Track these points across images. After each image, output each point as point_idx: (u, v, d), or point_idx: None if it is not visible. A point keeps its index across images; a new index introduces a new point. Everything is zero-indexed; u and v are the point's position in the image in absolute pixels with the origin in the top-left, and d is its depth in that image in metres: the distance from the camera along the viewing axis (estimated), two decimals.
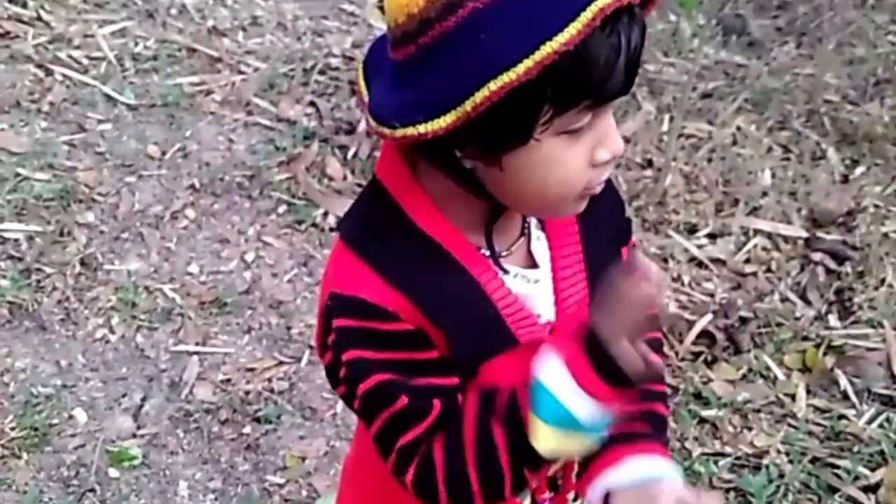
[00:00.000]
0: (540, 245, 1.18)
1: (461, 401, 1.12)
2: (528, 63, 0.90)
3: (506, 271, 1.13)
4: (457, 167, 1.04)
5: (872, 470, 2.45)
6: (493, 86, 0.91)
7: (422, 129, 0.96)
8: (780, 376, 2.67)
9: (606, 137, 1.03)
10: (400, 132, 0.98)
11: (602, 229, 1.21)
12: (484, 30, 0.92)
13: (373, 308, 1.06)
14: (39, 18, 3.78)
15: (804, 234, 3.12)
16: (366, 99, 1.06)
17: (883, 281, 2.94)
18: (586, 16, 0.90)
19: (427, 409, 1.09)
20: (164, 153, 3.28)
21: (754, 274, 2.99)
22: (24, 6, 3.81)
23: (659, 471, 1.20)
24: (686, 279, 2.94)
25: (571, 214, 1.12)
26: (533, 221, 1.18)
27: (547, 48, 0.90)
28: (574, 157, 1.02)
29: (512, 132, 0.98)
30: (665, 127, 3.48)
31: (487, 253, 1.12)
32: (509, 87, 0.91)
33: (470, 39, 0.93)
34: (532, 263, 1.17)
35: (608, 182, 1.24)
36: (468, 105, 0.93)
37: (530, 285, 1.15)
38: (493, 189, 1.05)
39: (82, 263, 2.86)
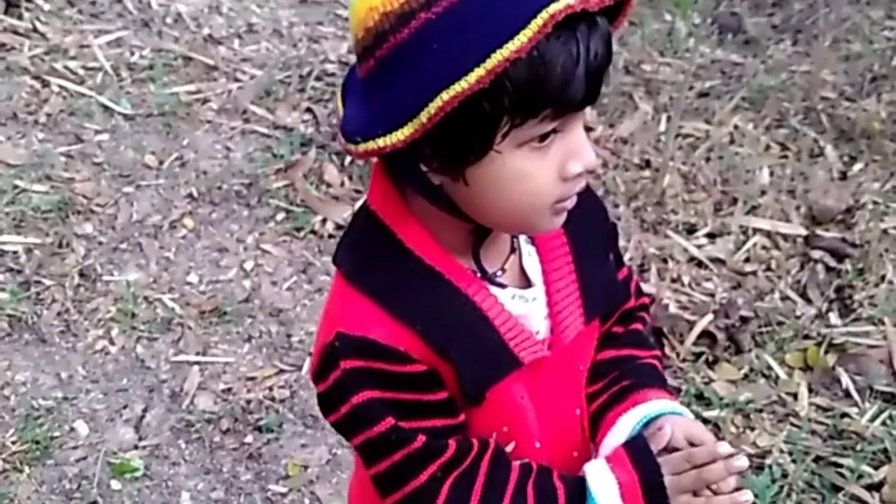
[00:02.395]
0: (532, 261, 1.17)
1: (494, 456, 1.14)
2: (479, 71, 0.89)
3: (503, 286, 1.13)
4: (425, 184, 1.03)
5: (876, 468, 2.44)
6: (446, 95, 0.91)
7: (381, 142, 0.96)
8: (782, 375, 2.67)
9: (577, 150, 1.01)
10: (362, 147, 0.98)
11: (589, 237, 1.21)
12: (436, 40, 0.92)
13: (384, 350, 1.05)
14: (35, 30, 3.79)
15: (803, 232, 3.11)
16: (341, 116, 1.06)
17: (883, 278, 2.93)
18: (537, 23, 0.89)
19: (443, 448, 1.09)
20: (161, 162, 3.28)
21: (754, 273, 2.98)
22: (20, 18, 3.81)
23: (655, 411, 1.21)
24: (686, 279, 2.93)
25: (550, 230, 1.10)
26: (522, 237, 1.18)
27: (498, 56, 0.89)
28: (541, 170, 1.00)
29: (471, 144, 0.97)
30: (662, 127, 3.48)
31: (481, 275, 1.12)
32: (462, 96, 0.90)
33: (423, 50, 0.93)
34: (526, 281, 1.17)
35: (587, 188, 1.24)
36: (423, 116, 0.92)
37: (528, 304, 1.14)
38: (465, 207, 1.04)
39: (81, 275, 2.86)
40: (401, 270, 1.08)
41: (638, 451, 1.14)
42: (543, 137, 0.98)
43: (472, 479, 1.10)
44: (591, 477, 1.13)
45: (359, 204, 2.93)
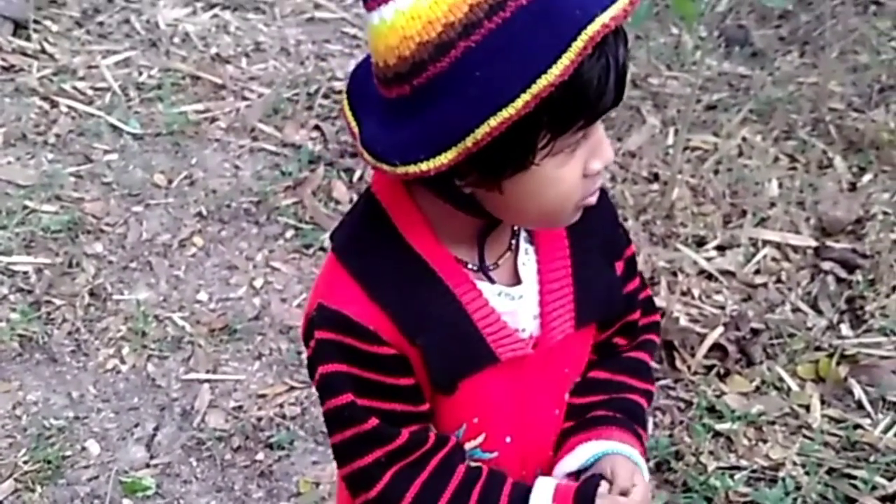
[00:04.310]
0: (528, 259, 1.19)
1: (451, 448, 1.17)
2: (525, 97, 0.92)
3: (493, 281, 1.15)
4: (455, 194, 1.06)
5: (890, 479, 2.43)
6: (494, 122, 0.93)
7: (423, 166, 0.98)
8: (794, 387, 2.66)
9: (599, 148, 1.06)
10: (401, 169, 1.00)
11: (592, 244, 1.22)
12: (479, 68, 0.94)
13: (355, 326, 1.09)
14: (43, 51, 3.81)
15: (813, 244, 3.11)
16: (355, 130, 1.08)
17: (894, 288, 2.92)
18: (578, 45, 0.92)
19: (393, 436, 1.12)
20: (170, 181, 3.29)
21: (764, 285, 2.97)
22: (28, 39, 3.83)
23: (606, 450, 1.24)
24: (696, 292, 2.93)
25: (571, 222, 1.13)
26: (522, 235, 1.20)
27: (543, 81, 0.92)
28: (570, 173, 1.04)
29: (512, 161, 1.00)
30: (670, 140, 3.47)
31: (475, 268, 1.15)
32: (509, 122, 0.93)
33: (465, 78, 0.95)
34: (516, 279, 1.19)
35: (603, 194, 1.25)
36: (469, 141, 0.95)
37: (514, 302, 1.16)
38: (492, 209, 1.08)
39: (91, 294, 2.86)
40: (388, 255, 1.11)
41: (584, 498, 1.16)
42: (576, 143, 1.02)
43: (416, 473, 1.14)
44: (534, 497, 1.17)
45: None
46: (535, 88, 0.92)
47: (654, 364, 1.37)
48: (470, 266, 1.14)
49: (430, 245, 1.11)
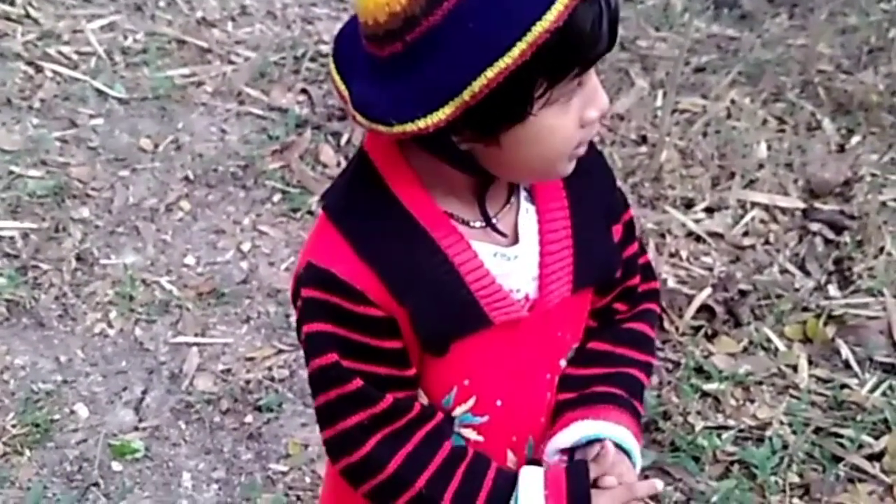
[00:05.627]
0: (528, 218, 1.17)
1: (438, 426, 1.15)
2: (521, 46, 0.91)
3: (504, 235, 1.14)
4: (452, 151, 1.04)
5: (876, 438, 2.44)
6: (491, 73, 0.92)
7: (421, 123, 0.97)
8: (781, 348, 2.67)
9: (594, 96, 1.04)
10: (398, 128, 0.98)
11: (592, 205, 1.20)
12: (472, 19, 0.93)
13: (342, 284, 1.07)
14: (28, 16, 3.77)
15: (801, 206, 3.11)
16: (345, 93, 1.06)
17: (882, 249, 2.93)
18: None
19: (377, 398, 1.11)
20: (156, 146, 3.27)
21: (752, 247, 2.98)
22: (12, 4, 3.80)
23: (599, 433, 1.21)
24: (684, 254, 2.93)
25: (566, 174, 1.11)
26: (522, 194, 1.17)
27: (538, 28, 0.91)
28: (566, 122, 1.03)
29: (510, 113, 0.99)
30: (659, 102, 3.47)
31: (478, 224, 1.12)
32: (506, 72, 0.92)
33: (459, 30, 0.93)
34: (514, 238, 1.16)
35: (601, 157, 1.24)
36: (466, 94, 0.94)
37: (510, 263, 1.14)
38: (489, 165, 1.06)
39: (78, 259, 2.85)
40: (379, 215, 1.09)
41: (576, 478, 1.15)
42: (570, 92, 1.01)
43: (400, 443, 1.13)
44: (523, 487, 1.15)
45: None
46: (530, 36, 0.91)
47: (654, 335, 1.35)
48: (472, 224, 1.12)
49: (423, 204, 1.09)
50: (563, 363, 1.26)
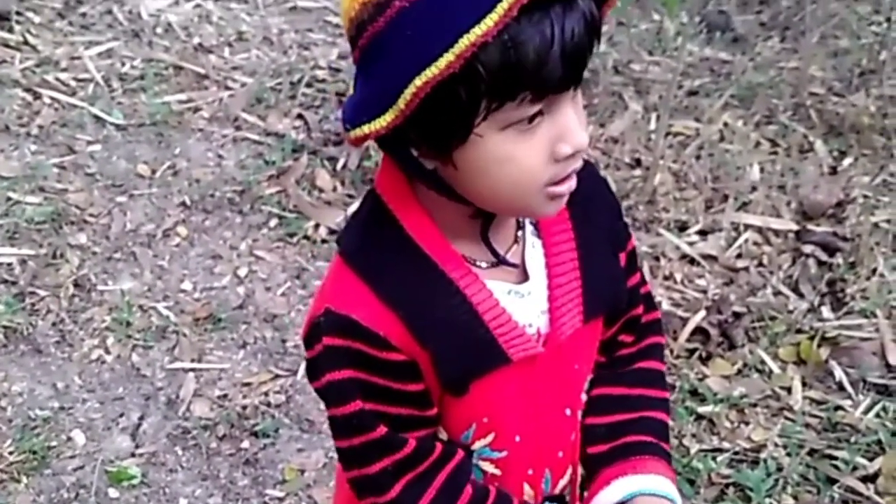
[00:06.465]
0: (535, 253, 1.16)
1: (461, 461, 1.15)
2: (448, 56, 0.90)
3: (515, 266, 1.14)
4: (420, 169, 1.04)
5: (870, 459, 2.45)
6: (419, 81, 0.92)
7: (366, 129, 0.98)
8: (776, 370, 2.68)
9: (566, 131, 1.00)
10: (352, 133, 1.00)
11: (599, 235, 1.20)
12: (410, 27, 0.93)
13: (364, 331, 1.06)
14: (26, 42, 3.80)
15: (794, 228, 3.13)
16: None
17: (874, 271, 2.94)
18: (503, 6, 0.89)
19: (401, 444, 1.11)
20: (153, 172, 3.29)
21: (746, 269, 2.99)
22: (10, 31, 3.82)
23: (642, 489, 1.21)
24: (678, 276, 2.95)
25: (548, 215, 1.10)
26: (528, 228, 1.17)
27: (465, 41, 0.90)
28: (527, 153, 1.00)
29: (451, 128, 0.98)
30: (652, 126, 3.49)
31: (486, 264, 1.12)
32: (434, 82, 0.92)
33: (398, 38, 0.94)
34: (523, 274, 1.16)
35: (605, 185, 1.24)
36: (401, 102, 0.94)
37: (523, 299, 1.14)
38: (460, 190, 1.05)
39: (76, 285, 2.86)
40: (396, 256, 1.08)
41: None
42: (530, 120, 0.98)
43: (425, 485, 1.12)
44: None
45: (352, 209, 2.95)
46: (457, 48, 0.90)
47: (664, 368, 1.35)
48: (478, 263, 1.12)
49: (438, 244, 1.08)
50: (584, 397, 1.26)
